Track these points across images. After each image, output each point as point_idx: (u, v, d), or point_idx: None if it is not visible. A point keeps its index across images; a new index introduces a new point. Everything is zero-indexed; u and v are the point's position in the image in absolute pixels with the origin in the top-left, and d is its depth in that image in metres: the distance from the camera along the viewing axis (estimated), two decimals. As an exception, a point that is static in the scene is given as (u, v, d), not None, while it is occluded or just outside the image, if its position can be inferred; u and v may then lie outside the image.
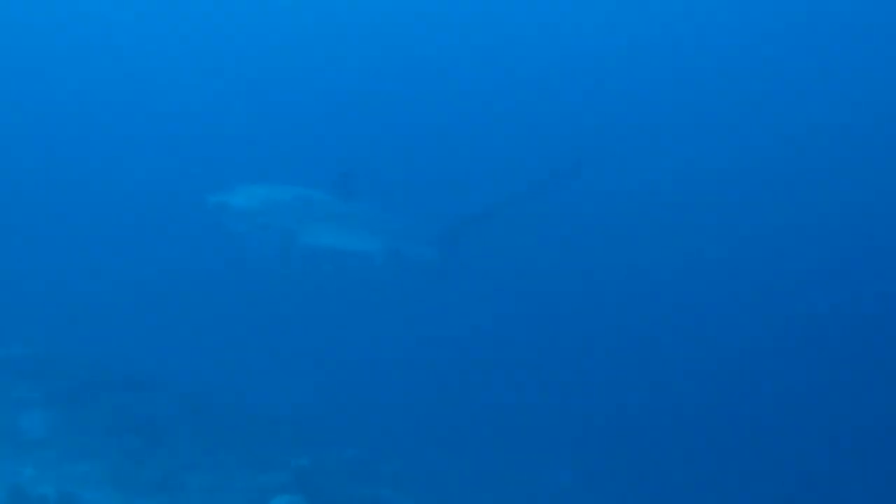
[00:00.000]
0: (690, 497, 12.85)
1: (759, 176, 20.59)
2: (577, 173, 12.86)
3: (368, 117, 22.29)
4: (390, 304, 14.34)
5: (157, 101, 22.12)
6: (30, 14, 23.42)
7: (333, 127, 21.63)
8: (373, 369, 14.63)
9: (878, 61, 22.12)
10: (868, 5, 22.38)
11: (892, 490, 13.03)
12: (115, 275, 16.56)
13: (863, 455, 13.76)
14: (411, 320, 14.96)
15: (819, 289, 17.49)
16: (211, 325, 15.01)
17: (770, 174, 20.54)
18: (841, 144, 20.68)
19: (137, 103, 22.08)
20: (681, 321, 17.20)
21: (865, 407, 14.60)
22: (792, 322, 17.05)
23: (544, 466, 13.31)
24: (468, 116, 22.46)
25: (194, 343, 14.18)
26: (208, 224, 11.85)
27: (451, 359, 15.34)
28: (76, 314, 14.58)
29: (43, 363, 11.83)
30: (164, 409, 11.35)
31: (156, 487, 9.77)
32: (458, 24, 24.45)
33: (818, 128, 21.17)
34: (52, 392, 11.02)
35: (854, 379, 15.35)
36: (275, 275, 12.43)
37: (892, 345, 15.95)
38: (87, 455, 10.09)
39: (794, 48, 23.12)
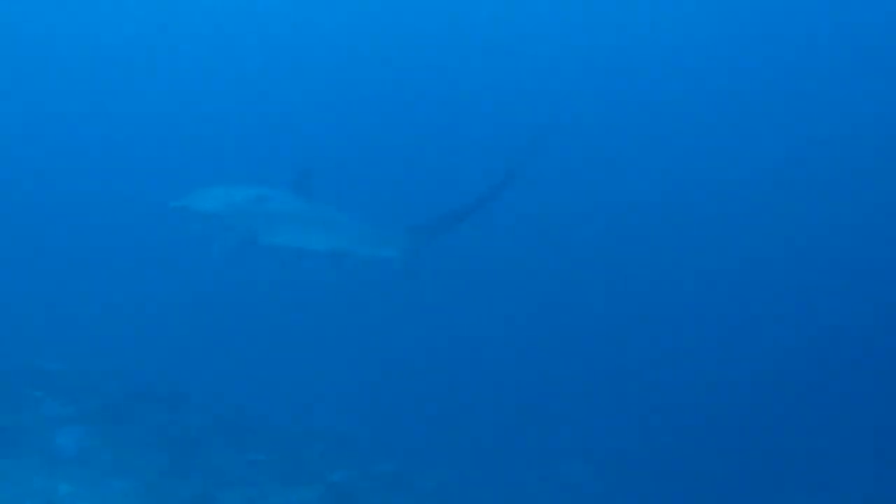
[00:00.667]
0: (700, 496, 12.74)
1: (752, 174, 20.60)
2: (532, 162, 12.70)
3: (329, 116, 22.33)
4: (373, 306, 14.32)
5: (116, 105, 22.22)
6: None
7: (292, 126, 21.65)
8: (389, 377, 14.58)
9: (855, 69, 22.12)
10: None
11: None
12: (144, 290, 16.64)
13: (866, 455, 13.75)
14: (403, 323, 14.95)
15: (818, 290, 17.41)
16: (236, 338, 15.04)
17: (766, 175, 20.54)
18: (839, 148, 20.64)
19: (96, 107, 22.17)
20: (672, 313, 17.17)
21: (867, 407, 14.57)
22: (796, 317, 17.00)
23: (575, 474, 13.26)
24: (432, 115, 22.44)
25: (226, 357, 14.20)
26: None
27: (459, 362, 15.29)
28: (110, 330, 14.64)
29: (77, 380, 11.85)
30: (198, 424, 11.34)
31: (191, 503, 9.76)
32: (421, 24, 24.46)
33: (817, 130, 21.29)
34: (87, 408, 11.03)
35: (854, 378, 15.27)
36: (250, 277, 12.38)
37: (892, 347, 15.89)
38: (122, 472, 10.08)
39: (790, 49, 23.04)
